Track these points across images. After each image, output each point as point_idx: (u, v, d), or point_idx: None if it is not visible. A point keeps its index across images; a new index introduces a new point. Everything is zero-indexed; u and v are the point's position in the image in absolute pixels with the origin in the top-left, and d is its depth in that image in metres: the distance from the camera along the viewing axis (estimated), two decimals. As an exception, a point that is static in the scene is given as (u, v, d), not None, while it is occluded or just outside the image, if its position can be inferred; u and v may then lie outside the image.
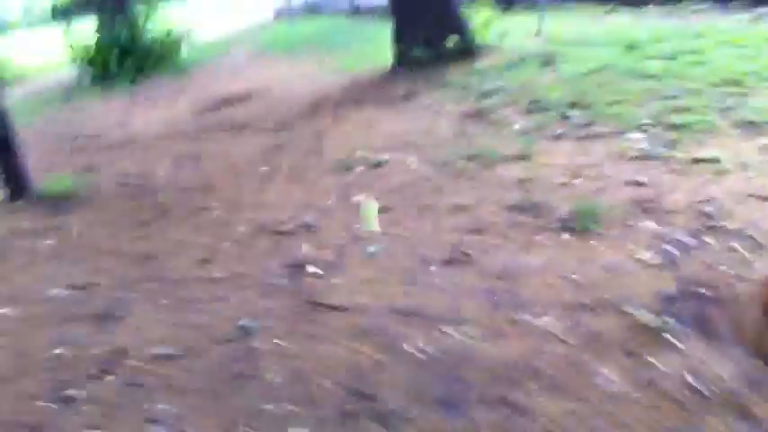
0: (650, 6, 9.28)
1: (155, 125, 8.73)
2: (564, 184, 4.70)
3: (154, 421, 3.13)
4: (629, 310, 3.20)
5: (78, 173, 7.17)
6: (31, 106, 12.01)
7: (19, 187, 6.61)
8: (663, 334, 2.98)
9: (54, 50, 14.59)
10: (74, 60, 13.50)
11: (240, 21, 18.25)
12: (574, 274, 3.61)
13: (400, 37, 8.84)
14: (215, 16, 18.97)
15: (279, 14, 18.38)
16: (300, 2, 18.18)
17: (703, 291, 3.23)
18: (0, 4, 37.34)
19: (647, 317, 3.10)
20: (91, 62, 13.19)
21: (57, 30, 14.15)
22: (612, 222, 4.05)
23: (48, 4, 25.23)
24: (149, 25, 13.40)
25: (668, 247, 3.67)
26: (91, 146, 8.32)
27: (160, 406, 3.20)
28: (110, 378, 3.50)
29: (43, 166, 7.65)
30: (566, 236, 4.03)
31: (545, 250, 3.92)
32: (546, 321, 3.25)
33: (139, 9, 13.64)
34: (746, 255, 3.49)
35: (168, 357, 3.59)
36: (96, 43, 13.17)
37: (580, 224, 4.07)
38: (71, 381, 3.54)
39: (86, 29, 13.60)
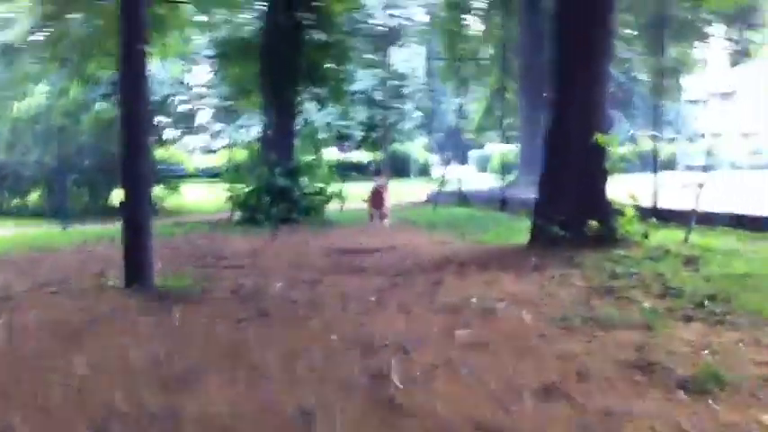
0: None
1: (282, 259, 8.84)
2: (687, 354, 4.24)
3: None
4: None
5: (197, 279, 7.27)
6: (177, 229, 12.61)
7: (137, 274, 6.75)
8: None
9: (219, 197, 15.23)
10: (229, 200, 14.22)
11: (395, 200, 18.85)
12: (684, 424, 3.14)
13: (540, 214, 8.73)
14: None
15: (430, 199, 18.84)
16: (452, 191, 18.62)
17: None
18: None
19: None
20: (242, 205, 13.85)
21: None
22: (737, 390, 3.57)
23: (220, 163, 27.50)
24: (306, 179, 14.03)
25: (801, 420, 3.16)
26: (218, 264, 8.49)
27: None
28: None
29: (167, 270, 7.84)
30: (681, 394, 3.57)
31: (655, 402, 3.47)
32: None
33: (302, 162, 14.39)
34: None
35: (225, 426, 3.34)
36: (251, 190, 13.85)
37: (700, 386, 3.61)
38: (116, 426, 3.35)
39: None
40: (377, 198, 12.09)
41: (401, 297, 6.20)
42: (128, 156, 6.98)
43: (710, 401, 3.43)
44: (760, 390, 3.57)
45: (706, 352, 4.25)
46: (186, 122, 46.02)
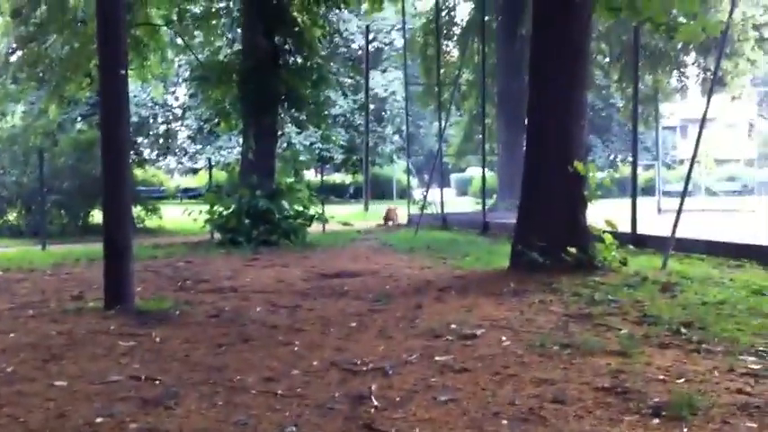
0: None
1: (263, 282, 8.85)
2: (662, 380, 4.31)
3: (165, 487, 2.88)
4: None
5: (177, 303, 7.27)
6: (157, 251, 12.61)
7: (117, 297, 6.77)
8: None
9: (199, 218, 14.96)
10: (209, 222, 14.22)
11: (377, 221, 19.16)
12: (658, 450, 3.20)
13: (520, 239, 8.84)
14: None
15: (411, 221, 18.95)
16: (434, 213, 18.75)
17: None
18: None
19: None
20: (222, 226, 13.87)
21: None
22: (710, 417, 3.63)
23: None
24: (286, 202, 14.05)
25: (771, 445, 3.23)
26: (197, 288, 8.49)
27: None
28: (138, 449, 3.30)
29: (147, 292, 7.87)
30: (655, 420, 3.63)
31: (629, 429, 3.53)
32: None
33: (282, 185, 14.45)
34: None
35: (202, 443, 3.37)
36: (231, 211, 13.87)
37: (673, 412, 3.67)
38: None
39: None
40: (390, 214, 18.55)
41: (382, 321, 6.25)
42: (109, 180, 7.02)
43: (684, 428, 3.49)
44: (732, 417, 3.63)
45: (681, 379, 4.32)
46: (165, 143, 46.07)
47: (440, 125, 20.58)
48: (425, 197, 19.38)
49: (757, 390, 4.11)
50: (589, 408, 3.85)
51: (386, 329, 5.91)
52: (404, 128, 34.74)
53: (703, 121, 9.97)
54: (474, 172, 41.94)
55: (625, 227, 10.96)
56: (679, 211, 9.80)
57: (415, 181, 36.07)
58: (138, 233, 15.85)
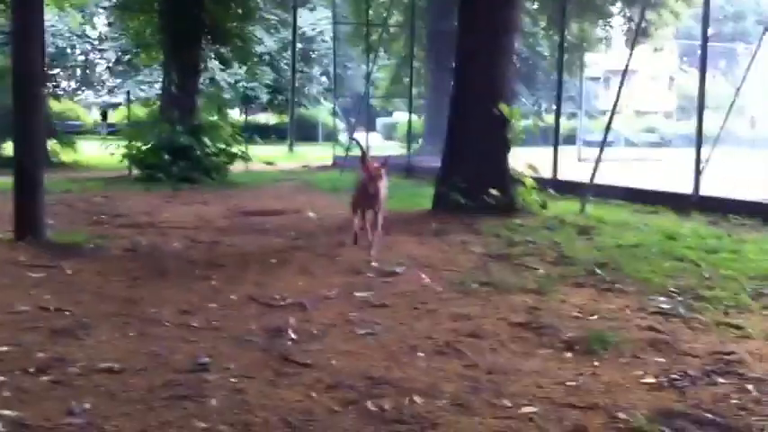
0: (692, 214, 9.17)
1: (182, 219, 8.67)
2: (576, 317, 4.41)
3: (72, 413, 2.81)
4: (622, 415, 2.84)
5: (91, 236, 7.07)
6: (73, 184, 12.25)
7: (28, 228, 6.54)
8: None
9: (117, 153, 14.47)
10: (127, 157, 13.83)
11: (302, 163, 19.07)
12: (568, 381, 3.27)
13: (443, 180, 8.88)
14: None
15: (336, 163, 18.83)
16: (358, 156, 18.62)
17: (709, 416, 2.87)
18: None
19: (641, 422, 2.74)
20: (141, 162, 13.51)
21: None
22: (620, 351, 3.72)
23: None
24: (208, 139, 13.74)
25: (675, 377, 3.33)
26: (113, 222, 8.30)
27: (85, 405, 2.88)
28: (43, 377, 3.21)
29: (60, 226, 7.63)
30: (568, 354, 3.71)
31: (543, 361, 3.59)
32: (528, 410, 2.90)
33: (204, 121, 14.12)
34: (762, 397, 3.13)
35: (112, 371, 3.29)
36: (150, 146, 13.51)
37: (586, 347, 3.75)
38: (2, 371, 3.25)
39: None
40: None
41: (302, 259, 6.20)
42: (20, 107, 6.72)
43: (595, 362, 3.57)
44: (642, 352, 3.73)
45: (594, 316, 4.43)
46: (83, 76, 44.51)
47: (368, 67, 20.40)
48: (351, 139, 19.26)
49: (666, 327, 4.24)
50: (504, 342, 3.90)
51: (306, 266, 5.87)
52: (331, 69, 34.22)
53: (625, 72, 10.11)
54: (401, 117, 41.78)
55: (547, 173, 11.11)
56: (598, 159, 9.97)
57: (341, 124, 35.86)
58: (53, 167, 15.35)
